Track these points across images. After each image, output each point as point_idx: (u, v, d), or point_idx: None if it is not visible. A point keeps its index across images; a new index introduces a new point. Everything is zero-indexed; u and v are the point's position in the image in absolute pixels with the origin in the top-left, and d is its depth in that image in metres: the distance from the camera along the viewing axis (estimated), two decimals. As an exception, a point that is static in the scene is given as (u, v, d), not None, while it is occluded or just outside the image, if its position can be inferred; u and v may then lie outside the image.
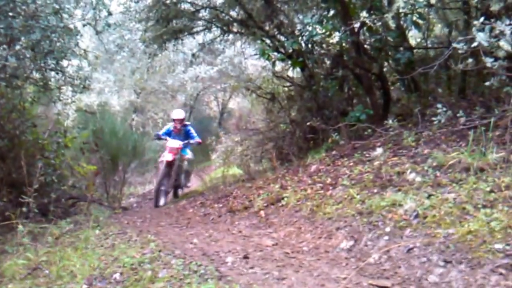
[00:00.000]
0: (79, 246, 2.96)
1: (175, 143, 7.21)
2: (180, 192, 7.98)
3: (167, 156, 7.10)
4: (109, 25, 5.20)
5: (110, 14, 5.14)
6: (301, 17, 5.95)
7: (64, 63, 4.90)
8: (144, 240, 3.00)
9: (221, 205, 4.16)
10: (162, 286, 2.19)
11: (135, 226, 3.77)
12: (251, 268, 2.41)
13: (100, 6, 5.10)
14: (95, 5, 5.09)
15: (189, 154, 7.78)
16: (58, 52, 4.35)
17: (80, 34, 4.94)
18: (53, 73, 4.85)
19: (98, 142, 7.53)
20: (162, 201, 7.07)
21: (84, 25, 5.24)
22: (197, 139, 7.68)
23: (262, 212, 3.55)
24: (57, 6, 4.19)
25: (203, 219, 3.90)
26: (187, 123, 7.85)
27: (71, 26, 4.60)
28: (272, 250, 2.74)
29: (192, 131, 7.79)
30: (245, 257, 2.58)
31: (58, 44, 4.34)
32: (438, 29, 5.53)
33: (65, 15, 4.48)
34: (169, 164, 7.13)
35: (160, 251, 2.69)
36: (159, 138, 7.64)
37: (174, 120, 7.58)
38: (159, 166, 7.42)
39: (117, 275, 2.37)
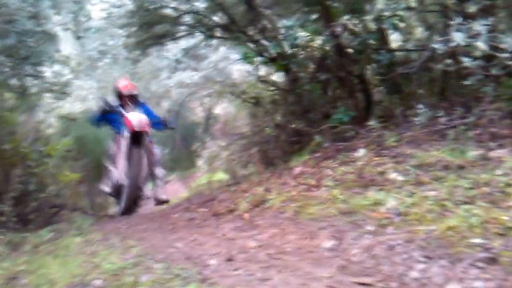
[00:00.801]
0: (60, 254, 2.93)
1: (140, 116, 5.40)
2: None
3: (135, 124, 5.23)
4: (89, 30, 5.19)
5: (90, 18, 5.13)
6: (284, 21, 5.99)
7: (44, 69, 4.87)
8: (127, 246, 2.98)
9: (206, 209, 4.15)
10: (144, 291, 2.18)
11: (118, 232, 3.74)
12: (235, 270, 2.40)
13: (79, 11, 5.10)
14: (74, 10, 5.08)
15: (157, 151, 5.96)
16: (35, 58, 4.31)
17: (59, 40, 4.92)
18: (31, 79, 4.82)
19: (81, 149, 7.45)
20: (121, 207, 5.31)
21: (64, 30, 5.23)
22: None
23: (246, 215, 3.55)
24: (33, 10, 4.17)
25: (187, 223, 3.88)
26: (141, 100, 5.96)
27: (50, 31, 4.57)
28: (256, 252, 2.74)
29: (154, 112, 6.06)
30: (229, 259, 2.58)
31: (35, 49, 4.30)
32: (419, 32, 5.60)
33: (43, 20, 4.45)
34: (136, 141, 5.25)
35: (142, 256, 2.67)
36: (108, 110, 5.47)
37: (120, 94, 5.63)
38: (113, 152, 5.61)
39: (98, 282, 2.35)
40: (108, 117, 5.66)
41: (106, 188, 5.78)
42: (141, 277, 2.31)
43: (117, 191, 5.52)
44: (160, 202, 5.68)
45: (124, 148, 5.30)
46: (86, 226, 4.04)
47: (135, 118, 5.28)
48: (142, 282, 2.24)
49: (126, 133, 5.34)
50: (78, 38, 5.71)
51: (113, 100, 5.75)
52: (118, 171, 5.37)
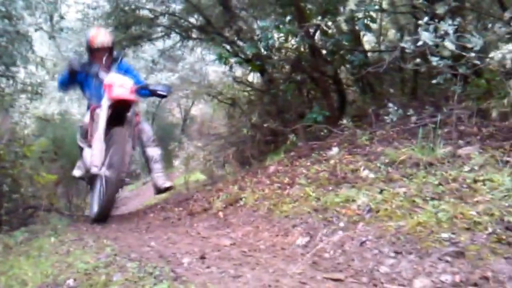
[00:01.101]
0: (33, 254, 2.90)
1: (124, 78, 4.09)
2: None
3: (117, 91, 3.94)
4: (62, 30, 5.13)
5: (62, 18, 5.08)
6: (259, 23, 6.04)
7: (18, 69, 4.81)
8: (100, 245, 2.96)
9: (181, 209, 4.15)
10: (116, 289, 2.17)
11: (93, 232, 3.72)
12: (208, 267, 2.41)
13: (53, 11, 5.04)
14: (47, 10, 5.02)
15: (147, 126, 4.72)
16: (8, 58, 4.25)
17: (34, 40, 4.86)
18: (4, 79, 4.75)
19: (58, 151, 7.38)
20: (98, 207, 4.05)
21: (36, 30, 5.14)
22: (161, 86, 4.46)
23: (221, 213, 3.58)
24: (3, 9, 4.11)
25: (163, 222, 3.88)
26: (118, 56, 4.57)
27: (23, 31, 4.51)
28: (230, 250, 2.76)
29: (136, 72, 4.77)
30: (202, 257, 2.58)
31: (8, 49, 4.24)
32: (392, 33, 5.71)
33: (16, 21, 4.40)
34: (117, 114, 4.02)
35: (116, 255, 2.65)
36: (77, 71, 4.22)
37: (92, 50, 4.33)
38: (87, 126, 4.29)
39: (70, 281, 2.33)
40: (79, 80, 4.42)
41: (78, 171, 4.57)
42: (113, 276, 2.30)
43: (91, 177, 4.31)
44: (162, 190, 4.57)
45: (102, 123, 3.99)
46: (61, 227, 4.01)
47: (117, 81, 4.01)
48: (115, 281, 2.23)
49: (105, 103, 4.03)
50: (52, 38, 5.64)
51: (84, 59, 4.53)
52: (93, 155, 4.04)
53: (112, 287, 2.18)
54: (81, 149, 4.47)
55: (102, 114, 4.03)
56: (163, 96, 4.58)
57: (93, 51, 4.35)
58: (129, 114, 4.13)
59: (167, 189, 4.56)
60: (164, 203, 4.81)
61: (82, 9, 6.70)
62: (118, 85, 3.99)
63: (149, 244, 2.98)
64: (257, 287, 2.09)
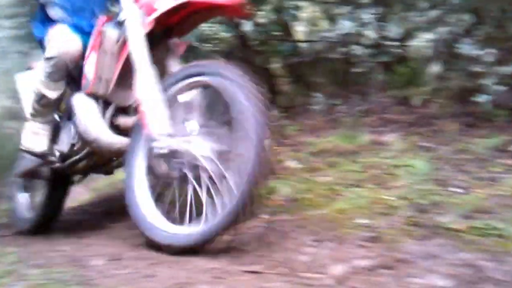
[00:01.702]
0: None
1: None
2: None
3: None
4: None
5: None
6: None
7: None
8: (3, 253, 2.74)
9: (102, 209, 3.97)
10: (15, 300, 2.00)
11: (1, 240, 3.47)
12: (122, 269, 2.28)
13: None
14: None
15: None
16: None
17: None
18: None
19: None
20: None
21: None
22: None
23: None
24: None
25: (80, 225, 3.68)
26: None
27: None
28: (147, 250, 2.63)
29: None
30: (116, 258, 2.45)
31: None
32: (323, 23, 5.71)
33: None
34: (163, 31, 2.52)
35: (19, 262, 2.46)
36: None
37: None
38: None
39: (-38, 295, 2.13)
40: None
41: (38, 143, 2.92)
42: (14, 285, 2.12)
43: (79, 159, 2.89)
44: None
45: (143, 55, 2.29)
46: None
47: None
48: (14, 291, 2.06)
49: (136, 15, 2.35)
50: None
51: None
52: (153, 117, 2.33)
53: (10, 298, 2.01)
54: (42, 104, 2.80)
55: (136, 37, 2.27)
56: None
57: None
58: (174, 41, 2.63)
59: None
60: (86, 205, 4.59)
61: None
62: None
63: (61, 248, 2.81)
64: (171, 284, 1.98)
